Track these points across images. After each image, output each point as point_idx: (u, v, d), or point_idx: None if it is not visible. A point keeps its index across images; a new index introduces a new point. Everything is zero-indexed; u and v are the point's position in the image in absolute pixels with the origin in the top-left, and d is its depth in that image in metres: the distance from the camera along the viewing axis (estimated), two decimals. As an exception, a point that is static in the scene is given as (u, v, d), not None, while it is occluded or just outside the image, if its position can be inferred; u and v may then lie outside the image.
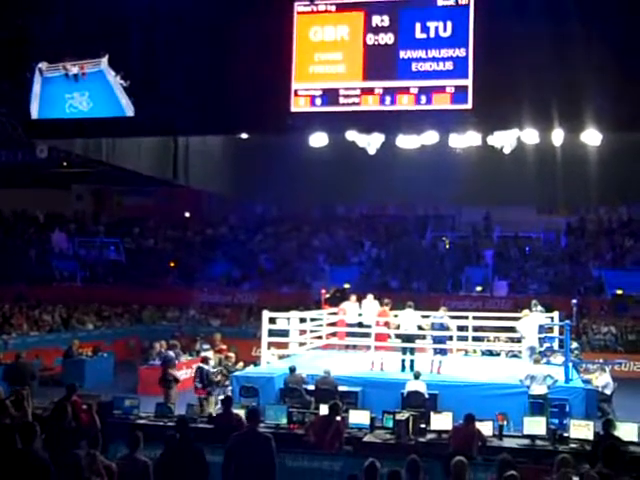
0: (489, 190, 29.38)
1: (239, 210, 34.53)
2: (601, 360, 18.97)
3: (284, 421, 12.06)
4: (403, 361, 17.13)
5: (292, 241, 33.63)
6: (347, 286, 29.08)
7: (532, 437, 11.78)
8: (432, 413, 12.27)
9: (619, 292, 29.29)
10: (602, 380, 16.58)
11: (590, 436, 11.21)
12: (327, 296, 24.38)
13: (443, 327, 17.46)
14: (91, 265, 32.71)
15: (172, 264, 32.44)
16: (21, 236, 33.75)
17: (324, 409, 11.95)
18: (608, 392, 16.44)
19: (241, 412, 12.16)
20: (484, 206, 32.64)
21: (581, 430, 11.45)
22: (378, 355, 17.20)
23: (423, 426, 11.93)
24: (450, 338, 17.64)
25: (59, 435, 7.92)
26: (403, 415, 11.80)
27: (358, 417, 12.18)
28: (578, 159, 21.01)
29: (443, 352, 17.22)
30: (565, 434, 11.72)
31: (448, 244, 33.83)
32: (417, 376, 14.75)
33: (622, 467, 6.57)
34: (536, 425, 11.95)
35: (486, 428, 11.60)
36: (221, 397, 14.79)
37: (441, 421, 11.89)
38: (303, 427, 11.82)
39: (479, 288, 30.81)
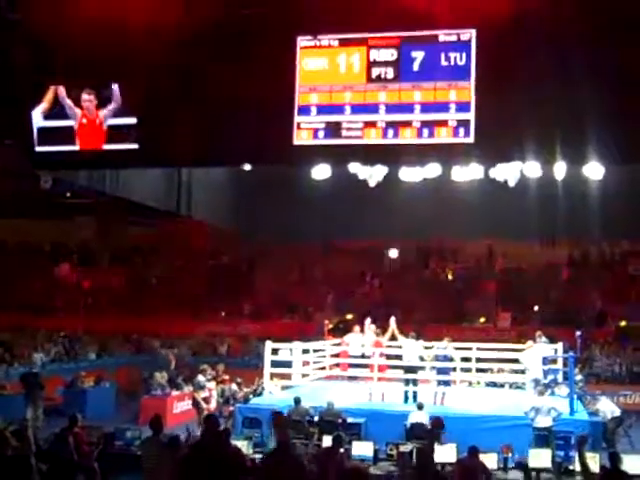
0: (492, 222, 29.51)
1: (242, 240, 34.54)
2: (605, 393, 18.79)
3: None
4: (406, 392, 17.07)
5: (294, 272, 33.63)
6: (350, 317, 29.05)
7: (537, 470, 11.71)
8: (436, 445, 12.21)
9: (622, 324, 29.21)
10: (606, 406, 16.51)
11: (596, 469, 11.11)
12: (330, 327, 24.36)
13: (447, 358, 17.44)
14: (94, 295, 32.68)
15: (175, 294, 32.35)
16: (25, 266, 33.76)
17: (327, 440, 11.90)
18: (617, 413, 16.38)
19: (244, 443, 12.15)
20: (487, 238, 32.65)
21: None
22: (378, 386, 17.16)
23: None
24: (454, 369, 17.60)
25: (59, 467, 7.88)
26: (407, 447, 11.75)
27: (361, 449, 12.13)
28: (580, 193, 21.18)
29: (446, 383, 17.18)
30: (570, 467, 11.66)
31: (451, 276, 33.81)
32: (420, 407, 14.68)
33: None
34: (541, 458, 11.88)
35: (490, 460, 11.53)
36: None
37: (445, 453, 11.83)
38: (306, 459, 11.74)
39: (482, 319, 30.74)
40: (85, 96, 12.55)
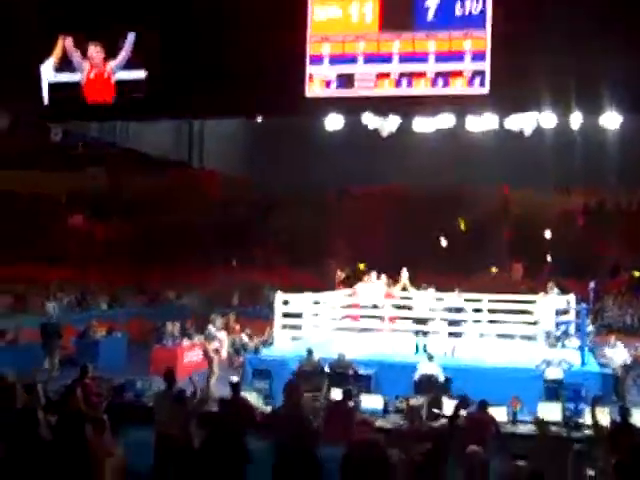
0: (506, 171, 29.18)
1: (254, 190, 34.44)
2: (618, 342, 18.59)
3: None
4: (417, 343, 17.11)
5: (307, 220, 33.49)
6: (362, 266, 29.05)
7: (547, 423, 11.70)
8: (445, 398, 12.23)
9: (636, 274, 29.08)
10: (618, 354, 16.52)
11: (606, 423, 11.08)
12: (342, 276, 24.34)
13: (458, 309, 17.44)
14: (107, 246, 32.80)
15: (187, 244, 32.39)
16: (38, 217, 33.81)
17: (337, 393, 11.95)
18: (628, 361, 16.42)
19: (253, 394, 12.21)
20: (501, 187, 32.35)
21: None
22: (389, 337, 17.20)
23: (436, 411, 11.88)
24: (465, 320, 17.59)
25: (67, 420, 7.89)
26: (417, 400, 11.77)
27: (371, 401, 12.17)
28: (597, 141, 20.86)
29: (457, 335, 17.19)
30: (580, 420, 11.66)
31: (464, 225, 33.63)
32: (431, 358, 14.67)
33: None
34: (551, 411, 11.88)
35: (500, 413, 11.54)
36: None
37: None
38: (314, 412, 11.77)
39: (494, 269, 30.66)
40: (92, 48, 12.33)
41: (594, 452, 7.87)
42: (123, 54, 12.18)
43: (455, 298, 17.84)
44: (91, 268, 29.57)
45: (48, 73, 12.68)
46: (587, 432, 11.15)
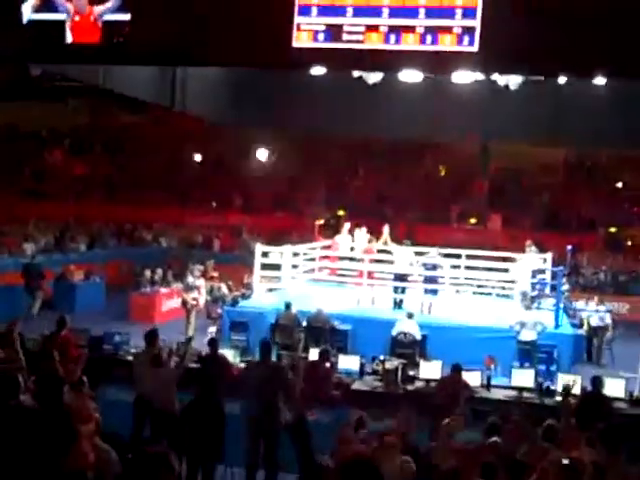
0: (488, 121, 28.95)
1: (237, 132, 34.00)
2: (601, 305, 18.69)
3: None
4: (395, 299, 17.14)
5: (288, 164, 33.25)
6: (341, 213, 28.99)
7: (519, 389, 11.90)
8: (421, 361, 12.34)
9: (612, 229, 29.26)
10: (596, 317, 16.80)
11: (577, 390, 11.22)
12: (321, 223, 24.27)
13: (435, 267, 17.47)
14: (85, 183, 32.36)
15: (166, 184, 32.04)
16: (16, 151, 33.21)
17: (314, 353, 11.98)
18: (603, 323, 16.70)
19: (230, 352, 12.22)
20: (482, 137, 32.09)
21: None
22: (367, 292, 17.21)
23: (412, 374, 11.99)
24: (442, 277, 17.62)
25: (45, 383, 7.82)
26: (392, 363, 11.84)
27: (348, 362, 12.22)
28: (584, 98, 20.76)
29: (434, 292, 17.24)
30: (552, 387, 11.83)
31: (444, 173, 33.53)
32: (410, 316, 14.68)
33: (619, 449, 6.42)
34: (524, 377, 12.06)
35: (474, 378, 11.66)
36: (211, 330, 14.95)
37: (430, 370, 11.96)
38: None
39: (473, 220, 30.72)
40: (75, -7, 11.93)
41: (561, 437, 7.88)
42: (113, 2, 11.79)
43: (433, 255, 17.85)
44: (69, 205, 29.13)
45: (28, 13, 12.27)
46: (558, 399, 11.26)
